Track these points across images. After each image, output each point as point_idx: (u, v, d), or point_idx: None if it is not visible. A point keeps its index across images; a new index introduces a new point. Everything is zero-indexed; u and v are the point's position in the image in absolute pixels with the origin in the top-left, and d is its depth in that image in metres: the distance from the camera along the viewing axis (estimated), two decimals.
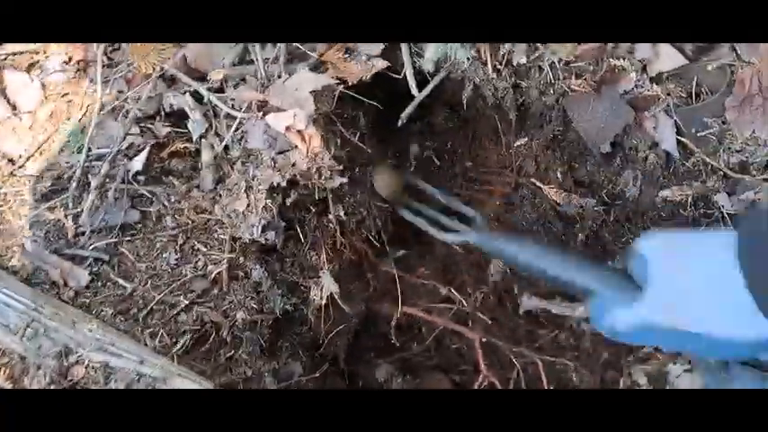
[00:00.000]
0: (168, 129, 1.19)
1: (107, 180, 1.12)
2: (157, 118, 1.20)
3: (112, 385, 0.94)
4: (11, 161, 1.16)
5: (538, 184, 1.44)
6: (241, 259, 1.11)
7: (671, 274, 0.69)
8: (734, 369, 0.73)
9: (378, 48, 1.22)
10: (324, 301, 1.17)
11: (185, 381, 0.96)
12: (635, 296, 0.72)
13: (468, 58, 1.28)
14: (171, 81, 1.23)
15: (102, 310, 1.02)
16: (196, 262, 1.09)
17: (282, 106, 1.14)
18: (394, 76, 1.26)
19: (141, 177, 1.14)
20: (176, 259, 1.09)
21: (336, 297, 1.17)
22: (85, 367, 0.95)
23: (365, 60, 1.22)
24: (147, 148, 1.15)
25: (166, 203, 1.13)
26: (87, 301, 1.03)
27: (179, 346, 1.01)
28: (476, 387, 1.23)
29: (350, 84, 1.20)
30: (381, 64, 1.21)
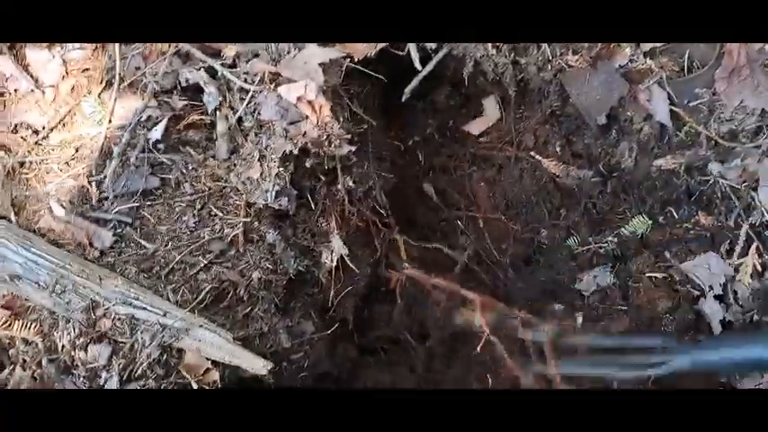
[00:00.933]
0: (184, 102, 1.24)
1: (128, 148, 1.17)
2: (174, 92, 1.25)
3: (138, 336, 1.00)
4: (35, 132, 1.21)
5: (537, 157, 1.50)
6: (256, 223, 1.17)
7: None
8: None
9: None
10: (334, 264, 1.23)
11: (206, 332, 1.02)
12: None
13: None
14: (186, 57, 1.29)
15: (126, 269, 1.08)
16: (213, 225, 1.15)
17: (293, 78, 1.19)
18: (398, 53, 1.32)
19: (161, 146, 1.19)
20: (195, 222, 1.14)
21: (347, 259, 1.23)
22: (112, 320, 1.01)
23: None
24: (165, 120, 1.20)
25: (184, 171, 1.18)
26: (112, 260, 1.09)
27: (199, 300, 1.06)
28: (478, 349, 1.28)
29: (357, 60, 1.26)
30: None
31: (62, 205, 1.13)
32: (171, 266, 1.09)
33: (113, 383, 0.96)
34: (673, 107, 1.30)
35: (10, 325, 1.04)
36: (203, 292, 1.08)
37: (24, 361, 1.02)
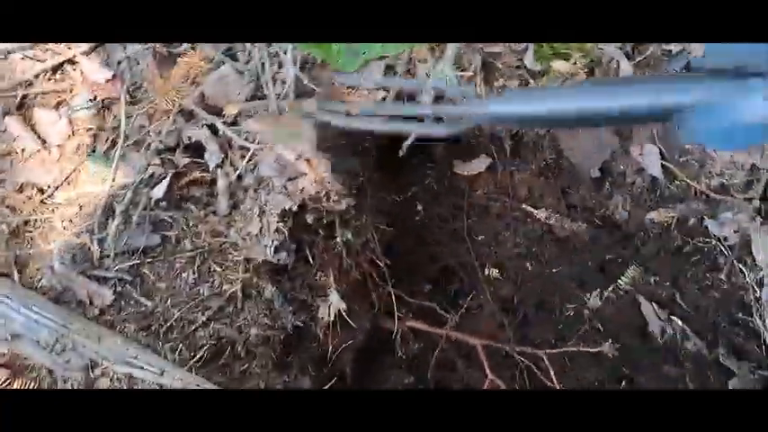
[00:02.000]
0: (187, 159, 1.27)
1: (131, 207, 1.20)
2: (177, 150, 1.29)
3: None
4: (41, 191, 1.24)
5: (530, 209, 1.52)
6: (254, 279, 1.19)
7: None
8: None
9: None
10: (332, 318, 1.24)
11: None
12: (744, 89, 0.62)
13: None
14: (189, 116, 1.32)
15: (126, 327, 1.10)
16: (212, 281, 1.16)
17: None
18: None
19: (162, 204, 1.22)
20: (194, 279, 1.16)
21: (344, 314, 1.24)
22: (110, 379, 1.02)
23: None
24: (168, 178, 1.23)
25: (185, 228, 1.21)
26: (111, 318, 1.11)
27: (197, 359, 1.07)
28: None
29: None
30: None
31: (64, 263, 1.15)
32: (169, 324, 1.11)
33: None
34: (664, 162, 1.32)
35: (9, 384, 1.05)
36: (201, 350, 1.09)
37: None
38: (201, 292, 1.15)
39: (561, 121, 0.77)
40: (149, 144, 1.27)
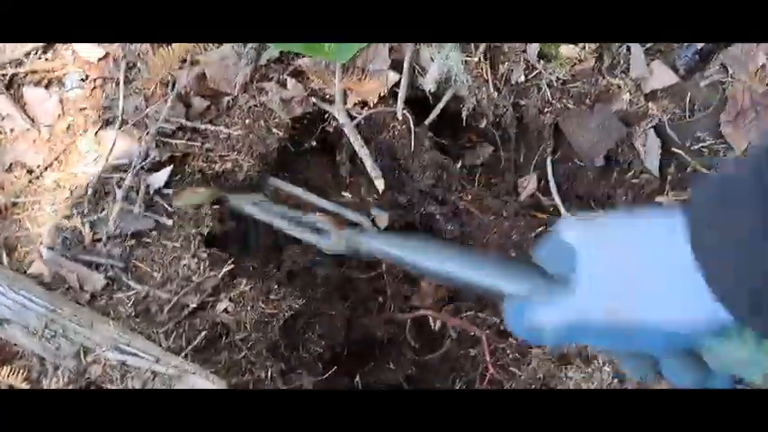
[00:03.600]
0: (184, 142, 1.23)
1: (130, 191, 1.16)
2: (174, 133, 1.24)
3: (129, 383, 0.96)
4: (29, 172, 1.19)
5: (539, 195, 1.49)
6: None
7: (605, 264, 0.57)
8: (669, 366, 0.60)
9: (386, 62, 1.28)
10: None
11: (199, 379, 0.98)
12: (558, 292, 0.60)
13: (466, 80, 1.34)
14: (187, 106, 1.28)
15: (118, 312, 1.05)
16: (208, 265, 1.12)
17: None
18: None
19: (164, 191, 1.18)
20: (189, 263, 1.12)
21: None
22: (103, 366, 0.97)
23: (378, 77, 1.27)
24: (169, 168, 1.19)
25: (181, 213, 1.16)
26: (103, 303, 1.06)
27: (192, 345, 1.03)
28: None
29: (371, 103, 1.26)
30: (393, 76, 1.27)
31: (53, 248, 1.10)
32: (163, 309, 1.06)
33: None
34: (676, 149, 1.29)
35: None
36: (197, 336, 1.05)
37: None
38: (197, 277, 1.11)
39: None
40: (147, 126, 1.23)
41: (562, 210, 1.40)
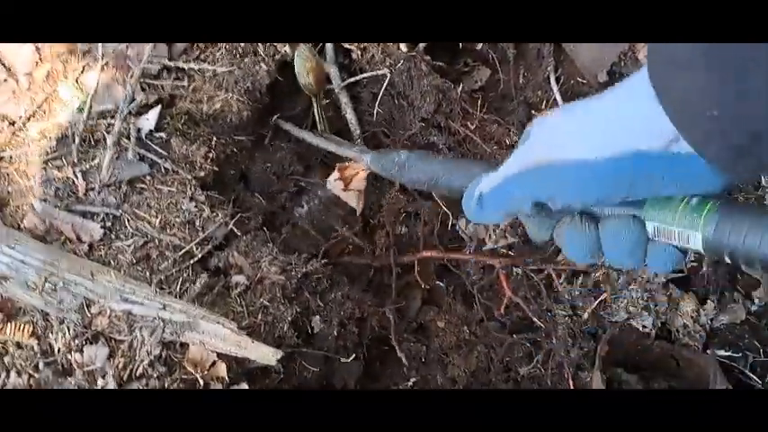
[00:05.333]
0: (170, 83, 1.18)
1: (120, 137, 1.11)
2: (161, 75, 1.19)
3: (137, 333, 0.94)
4: (12, 123, 1.14)
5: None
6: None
7: (549, 125, 0.56)
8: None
9: None
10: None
11: (209, 324, 0.96)
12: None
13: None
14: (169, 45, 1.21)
15: (119, 261, 1.02)
16: (208, 209, 1.09)
17: None
18: None
19: (156, 135, 1.13)
20: (188, 207, 1.08)
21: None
22: (108, 317, 0.95)
23: None
24: (158, 108, 1.14)
25: (175, 157, 1.12)
26: (102, 253, 1.03)
27: (197, 289, 1.01)
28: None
29: None
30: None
31: (45, 200, 1.07)
32: (166, 255, 1.04)
33: (112, 385, 0.90)
34: None
35: (2, 328, 0.98)
36: (202, 281, 1.02)
37: (20, 366, 0.96)
38: (199, 222, 1.08)
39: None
40: (130, 69, 1.17)
41: None
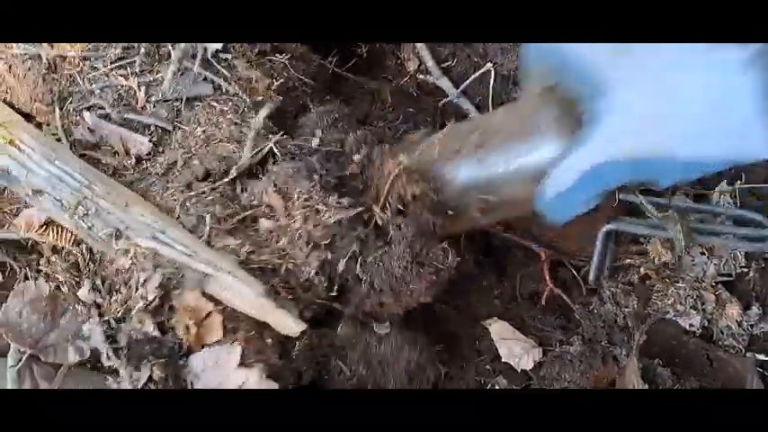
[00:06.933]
0: None
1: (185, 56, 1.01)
2: None
3: (157, 275, 0.86)
4: None
5: None
6: None
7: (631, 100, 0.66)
8: None
9: None
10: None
11: (235, 281, 0.86)
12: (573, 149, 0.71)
13: None
14: None
15: (153, 185, 0.95)
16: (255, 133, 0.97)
17: None
18: None
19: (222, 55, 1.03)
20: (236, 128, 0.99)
21: None
22: (132, 257, 0.88)
23: None
24: None
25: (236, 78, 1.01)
26: (139, 175, 0.96)
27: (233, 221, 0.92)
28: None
29: None
30: None
31: (102, 107, 1.00)
32: (203, 180, 0.94)
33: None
34: None
35: (45, 230, 0.95)
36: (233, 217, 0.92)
37: (48, 275, 0.93)
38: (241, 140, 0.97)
39: None
40: None
41: None
